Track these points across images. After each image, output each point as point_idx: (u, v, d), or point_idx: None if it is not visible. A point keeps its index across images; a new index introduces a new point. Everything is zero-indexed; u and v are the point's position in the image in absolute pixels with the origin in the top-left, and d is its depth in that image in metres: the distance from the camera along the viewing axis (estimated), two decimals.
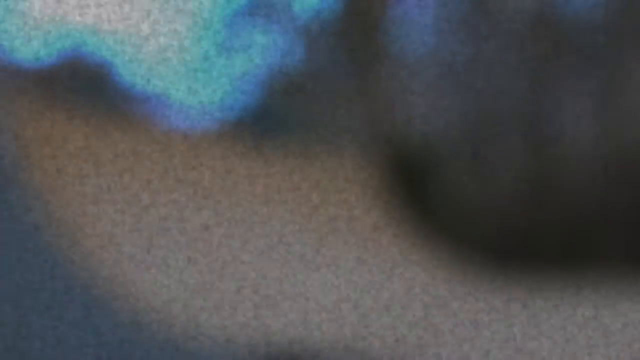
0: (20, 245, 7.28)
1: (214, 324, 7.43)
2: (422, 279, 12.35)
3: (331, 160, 14.50)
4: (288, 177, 12.89)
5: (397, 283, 11.69)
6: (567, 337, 7.06)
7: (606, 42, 17.06)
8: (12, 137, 7.83)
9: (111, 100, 12.08)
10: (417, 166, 17.44)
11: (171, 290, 8.12)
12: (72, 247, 7.37)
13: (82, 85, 11.74)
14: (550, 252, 17.02)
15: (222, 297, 8.50)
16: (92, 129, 9.39)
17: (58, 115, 8.91)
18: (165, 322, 7.12)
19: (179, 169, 10.37)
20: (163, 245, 8.97)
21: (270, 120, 14.39)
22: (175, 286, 8.25)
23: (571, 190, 17.39)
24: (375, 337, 7.06)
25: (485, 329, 7.70)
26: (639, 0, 15.72)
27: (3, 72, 10.35)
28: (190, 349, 6.70)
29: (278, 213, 11.81)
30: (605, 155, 15.76)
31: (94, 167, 8.99)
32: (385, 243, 13.24)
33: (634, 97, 16.16)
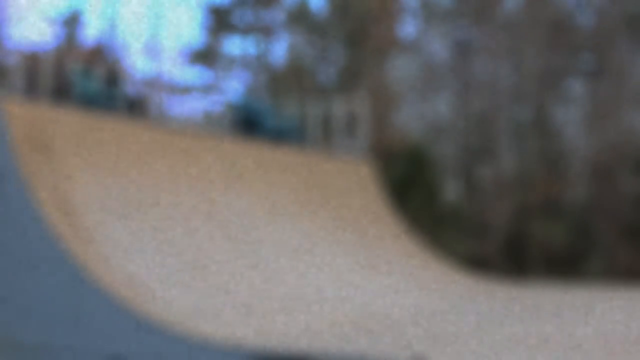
0: (19, 240, 7.24)
1: (223, 325, 7.41)
2: (428, 282, 12.32)
3: (335, 160, 14.51)
4: (296, 176, 12.87)
5: (398, 281, 11.66)
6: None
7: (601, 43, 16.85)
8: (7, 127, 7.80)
9: (116, 90, 12.04)
10: (416, 168, 17.21)
11: (176, 290, 8.09)
12: (69, 240, 7.35)
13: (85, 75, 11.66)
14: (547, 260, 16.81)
15: (232, 299, 8.48)
16: (91, 119, 9.34)
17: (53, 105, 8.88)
18: (171, 323, 7.11)
19: (182, 162, 10.33)
20: (165, 241, 8.94)
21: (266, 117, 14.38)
22: (181, 285, 8.22)
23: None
24: (379, 342, 7.05)
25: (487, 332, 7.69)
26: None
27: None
28: (199, 349, 6.69)
29: (285, 211, 11.77)
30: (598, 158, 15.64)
31: (92, 157, 8.95)
32: (389, 244, 13.22)
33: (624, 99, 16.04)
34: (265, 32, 29.85)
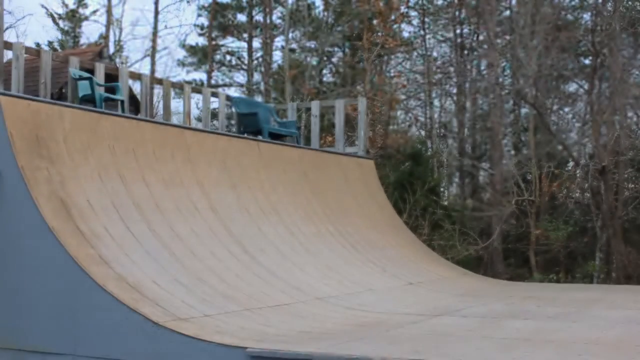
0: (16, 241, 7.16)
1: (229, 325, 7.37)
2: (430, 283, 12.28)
3: (341, 158, 14.43)
4: (302, 174, 12.82)
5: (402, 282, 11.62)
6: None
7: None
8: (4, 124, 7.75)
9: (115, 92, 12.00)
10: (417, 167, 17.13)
11: (177, 291, 8.05)
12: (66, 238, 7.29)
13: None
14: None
15: (234, 299, 8.44)
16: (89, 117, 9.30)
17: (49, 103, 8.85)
18: (172, 324, 7.07)
19: (183, 160, 10.30)
20: (166, 241, 8.91)
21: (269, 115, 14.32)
22: (182, 287, 8.18)
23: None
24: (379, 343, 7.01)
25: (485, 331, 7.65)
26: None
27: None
28: (199, 350, 6.65)
29: (290, 210, 11.72)
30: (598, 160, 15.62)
31: (89, 155, 8.91)
32: (392, 243, 13.17)
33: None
34: (266, 32, 29.83)
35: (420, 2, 25.58)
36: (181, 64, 32.88)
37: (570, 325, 8.21)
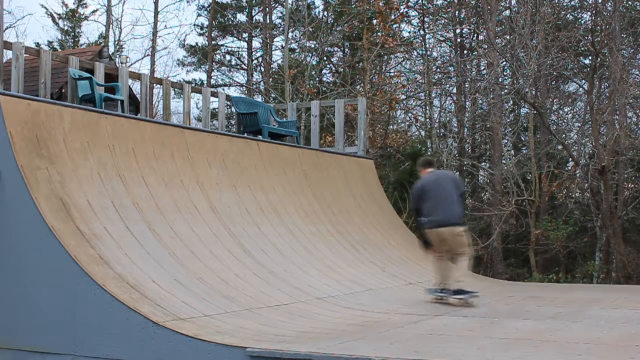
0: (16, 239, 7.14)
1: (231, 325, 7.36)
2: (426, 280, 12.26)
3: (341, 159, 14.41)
4: (304, 173, 12.80)
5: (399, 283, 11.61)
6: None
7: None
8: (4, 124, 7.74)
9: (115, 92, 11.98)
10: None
11: (177, 291, 8.04)
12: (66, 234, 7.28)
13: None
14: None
15: (234, 299, 8.43)
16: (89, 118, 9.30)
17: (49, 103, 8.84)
18: (172, 324, 7.06)
19: (182, 159, 10.29)
20: (166, 241, 8.91)
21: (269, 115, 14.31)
22: (182, 287, 8.17)
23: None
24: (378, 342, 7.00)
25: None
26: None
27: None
28: (199, 350, 6.65)
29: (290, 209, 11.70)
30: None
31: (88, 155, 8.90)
32: (392, 242, 13.15)
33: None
34: (266, 31, 29.82)
35: (420, 2, 25.57)
36: (181, 63, 32.89)
37: (570, 325, 8.21)
